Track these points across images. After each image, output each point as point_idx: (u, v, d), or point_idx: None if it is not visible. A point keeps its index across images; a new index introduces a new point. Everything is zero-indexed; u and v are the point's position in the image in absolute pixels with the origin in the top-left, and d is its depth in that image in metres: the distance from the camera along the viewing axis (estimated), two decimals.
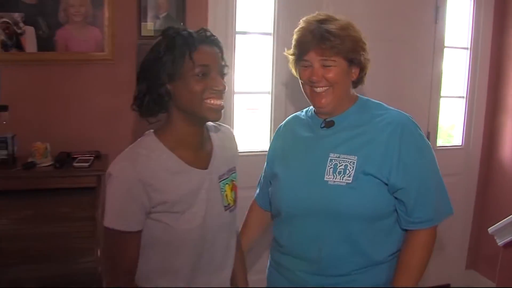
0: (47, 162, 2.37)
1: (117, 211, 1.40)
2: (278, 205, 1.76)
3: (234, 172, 1.63)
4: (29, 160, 2.36)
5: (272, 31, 3.00)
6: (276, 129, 1.93)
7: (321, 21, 1.63)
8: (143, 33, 2.70)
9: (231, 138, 1.68)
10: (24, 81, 2.58)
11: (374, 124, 1.66)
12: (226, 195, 1.55)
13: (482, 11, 3.50)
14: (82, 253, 2.12)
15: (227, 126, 1.71)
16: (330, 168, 1.63)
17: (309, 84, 1.65)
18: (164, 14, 2.73)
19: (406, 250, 1.65)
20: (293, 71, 1.77)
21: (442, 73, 3.50)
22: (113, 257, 1.47)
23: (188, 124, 1.47)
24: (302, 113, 1.86)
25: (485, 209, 3.58)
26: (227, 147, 1.62)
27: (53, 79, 2.63)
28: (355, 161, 1.61)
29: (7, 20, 2.49)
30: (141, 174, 1.38)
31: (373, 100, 1.77)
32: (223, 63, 1.48)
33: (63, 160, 2.39)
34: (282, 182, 1.75)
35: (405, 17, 3.29)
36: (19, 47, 2.53)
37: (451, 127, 3.95)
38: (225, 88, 1.45)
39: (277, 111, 3.09)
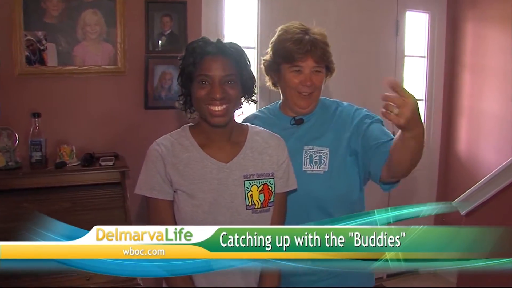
0: (74, 162, 2.55)
1: (144, 180, 1.53)
2: None
3: (271, 178, 1.56)
4: (58, 160, 2.52)
5: (255, 46, 3.23)
6: None
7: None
8: (150, 48, 2.88)
9: (277, 148, 1.62)
10: (46, 92, 2.72)
11: (336, 121, 1.76)
12: (251, 195, 1.53)
13: (436, 24, 3.77)
14: None
15: (279, 137, 1.66)
16: (306, 159, 1.71)
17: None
18: (168, 31, 2.90)
19: None
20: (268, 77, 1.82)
21: (403, 78, 3.71)
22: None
23: (207, 123, 1.53)
24: (261, 113, 1.88)
25: (445, 198, 3.76)
26: (265, 153, 1.59)
27: (72, 90, 2.77)
28: (328, 152, 1.70)
29: (31, 38, 2.64)
30: (164, 152, 1.51)
31: (328, 98, 1.86)
32: (231, 73, 1.49)
33: (88, 159, 2.56)
34: None
35: (370, 31, 3.53)
36: (42, 61, 2.68)
37: None
38: (222, 96, 1.46)
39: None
